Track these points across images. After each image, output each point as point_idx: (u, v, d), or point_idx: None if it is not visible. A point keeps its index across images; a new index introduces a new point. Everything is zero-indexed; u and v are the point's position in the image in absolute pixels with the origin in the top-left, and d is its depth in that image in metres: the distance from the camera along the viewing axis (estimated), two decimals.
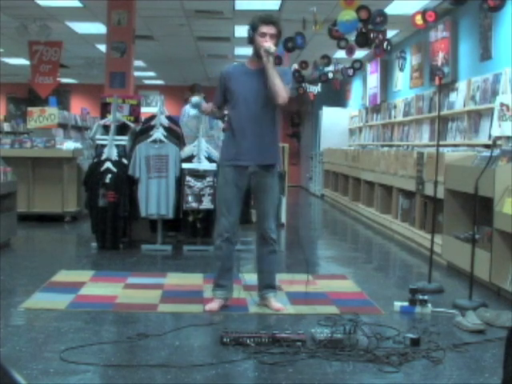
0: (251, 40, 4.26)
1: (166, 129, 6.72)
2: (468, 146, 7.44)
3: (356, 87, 15.10)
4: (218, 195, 4.48)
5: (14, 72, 16.87)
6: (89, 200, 6.72)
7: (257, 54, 4.24)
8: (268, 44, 4.15)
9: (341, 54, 11.21)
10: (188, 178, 6.44)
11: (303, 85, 13.90)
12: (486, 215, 5.18)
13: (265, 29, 4.19)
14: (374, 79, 12.67)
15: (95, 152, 7.01)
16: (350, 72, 11.72)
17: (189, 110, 8.56)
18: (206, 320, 4.07)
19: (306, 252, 6.33)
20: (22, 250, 6.76)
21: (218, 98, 4.37)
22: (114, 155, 6.65)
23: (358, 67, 11.47)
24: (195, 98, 4.39)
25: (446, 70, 8.61)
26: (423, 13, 7.19)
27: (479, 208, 5.02)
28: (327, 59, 11.15)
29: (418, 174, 7.12)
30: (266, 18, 4.23)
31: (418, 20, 7.15)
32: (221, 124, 6.78)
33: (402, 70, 10.42)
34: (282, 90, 4.17)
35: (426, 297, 4.38)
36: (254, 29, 4.23)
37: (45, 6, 9.72)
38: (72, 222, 8.81)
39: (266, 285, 4.43)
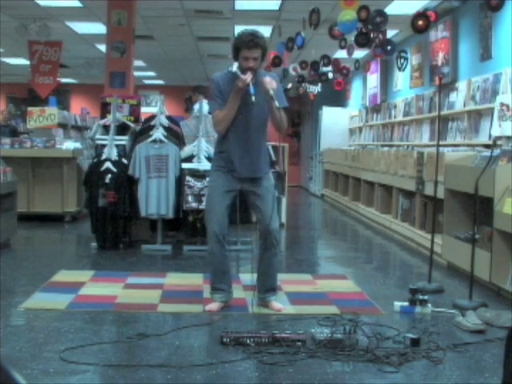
0: (235, 57, 4.22)
1: (166, 129, 6.72)
2: (468, 146, 7.44)
3: (356, 87, 15.10)
4: (207, 199, 4.46)
5: (14, 72, 16.88)
6: (89, 200, 6.72)
7: (242, 69, 4.16)
8: (271, 85, 4.07)
9: (341, 54, 11.22)
10: (188, 178, 6.44)
11: (303, 85, 13.91)
12: (486, 215, 5.18)
13: (247, 53, 4.13)
14: (374, 79, 12.67)
15: (95, 152, 7.01)
16: (350, 72, 11.73)
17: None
18: (205, 320, 4.07)
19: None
20: (21, 250, 6.76)
21: (221, 99, 4.25)
22: (114, 155, 6.65)
23: (357, 67, 11.48)
24: (235, 67, 4.19)
25: (445, 70, 8.61)
26: (424, 14, 7.20)
27: (479, 208, 5.02)
28: (327, 59, 11.15)
29: (418, 174, 7.12)
30: (249, 41, 4.11)
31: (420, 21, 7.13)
32: None
33: (402, 70, 10.40)
34: (284, 123, 4.24)
35: (426, 297, 4.38)
36: (236, 49, 4.18)
37: (45, 6, 9.72)
38: (72, 222, 8.81)
39: (268, 288, 4.41)
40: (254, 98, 4.08)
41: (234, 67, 4.18)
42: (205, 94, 8.99)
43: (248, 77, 4.09)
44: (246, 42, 4.12)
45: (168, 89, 19.22)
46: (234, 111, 4.20)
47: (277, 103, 4.09)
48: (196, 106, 8.90)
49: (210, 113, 4.34)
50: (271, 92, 4.07)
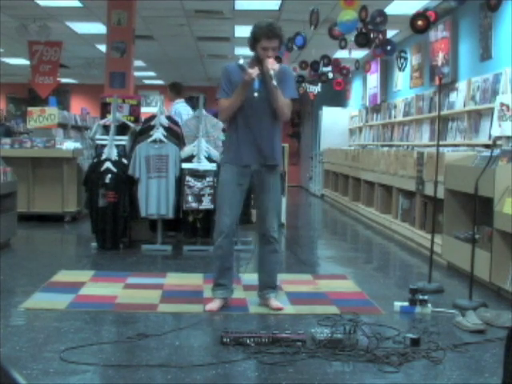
0: (253, 48, 4.26)
1: (166, 129, 6.72)
2: (468, 146, 7.44)
3: (356, 87, 15.10)
4: (219, 193, 4.47)
5: (13, 72, 16.88)
6: (89, 200, 6.72)
7: (258, 59, 4.23)
8: (272, 66, 4.12)
9: (341, 54, 11.22)
10: (188, 178, 6.44)
11: (303, 85, 13.92)
12: (486, 215, 5.18)
13: (267, 43, 4.17)
14: (374, 79, 12.67)
15: (95, 152, 7.01)
16: (350, 72, 11.75)
17: (179, 109, 8.57)
18: (206, 320, 4.07)
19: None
20: (21, 250, 6.76)
21: (229, 89, 4.26)
22: (114, 155, 6.65)
23: (357, 67, 11.49)
24: (242, 61, 4.29)
25: (445, 70, 8.62)
26: (423, 14, 7.20)
27: (479, 208, 5.02)
28: (327, 59, 11.16)
29: (418, 174, 7.12)
30: (269, 31, 4.16)
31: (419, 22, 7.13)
32: (221, 124, 6.79)
33: (402, 70, 10.42)
34: (285, 109, 4.26)
35: (426, 297, 4.38)
36: (255, 40, 4.21)
37: (45, 6, 9.72)
38: (72, 222, 8.81)
39: (267, 285, 4.43)
40: (256, 94, 4.14)
41: (242, 60, 4.22)
42: (179, 92, 8.96)
43: (255, 71, 4.14)
44: (265, 32, 4.16)
45: None
46: (238, 103, 4.22)
47: (274, 82, 4.12)
48: (172, 109, 8.82)
49: (217, 99, 4.38)
50: (271, 72, 4.12)
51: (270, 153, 4.30)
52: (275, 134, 4.36)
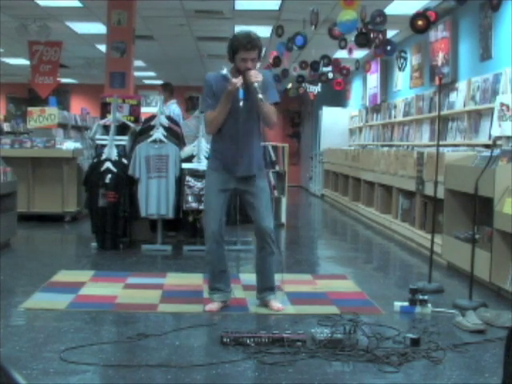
0: (232, 59, 4.24)
1: (166, 129, 6.72)
2: (468, 146, 7.44)
3: (356, 87, 15.10)
4: (205, 198, 4.48)
5: (13, 72, 16.88)
6: (89, 200, 6.72)
7: (238, 70, 4.20)
8: (256, 78, 4.07)
9: (341, 54, 11.22)
10: (188, 178, 6.44)
11: (303, 85, 13.91)
12: (486, 215, 5.18)
13: (245, 55, 4.14)
14: (374, 79, 12.67)
15: (95, 152, 7.01)
16: (350, 72, 11.73)
17: (176, 111, 8.56)
18: (206, 320, 4.07)
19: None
20: (21, 250, 6.76)
21: (212, 100, 4.24)
22: (114, 155, 6.65)
23: (357, 67, 11.49)
24: (225, 71, 4.26)
25: (445, 70, 8.62)
26: (423, 14, 7.19)
27: (479, 208, 5.02)
28: (327, 59, 11.15)
29: (418, 174, 7.12)
30: (247, 43, 4.12)
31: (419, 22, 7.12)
32: None
33: (402, 70, 10.42)
34: (272, 117, 4.22)
35: (426, 297, 4.38)
36: (234, 51, 4.19)
37: (45, 6, 9.72)
38: (72, 222, 8.81)
39: (265, 287, 4.42)
40: (241, 104, 4.10)
41: (225, 70, 4.20)
42: (172, 93, 8.96)
43: (238, 81, 4.11)
44: (243, 43, 4.13)
45: None
46: (225, 114, 4.20)
47: (260, 96, 4.07)
48: (168, 109, 8.82)
49: (201, 112, 4.35)
50: (255, 84, 4.07)
51: (254, 161, 4.28)
52: (258, 143, 4.36)
